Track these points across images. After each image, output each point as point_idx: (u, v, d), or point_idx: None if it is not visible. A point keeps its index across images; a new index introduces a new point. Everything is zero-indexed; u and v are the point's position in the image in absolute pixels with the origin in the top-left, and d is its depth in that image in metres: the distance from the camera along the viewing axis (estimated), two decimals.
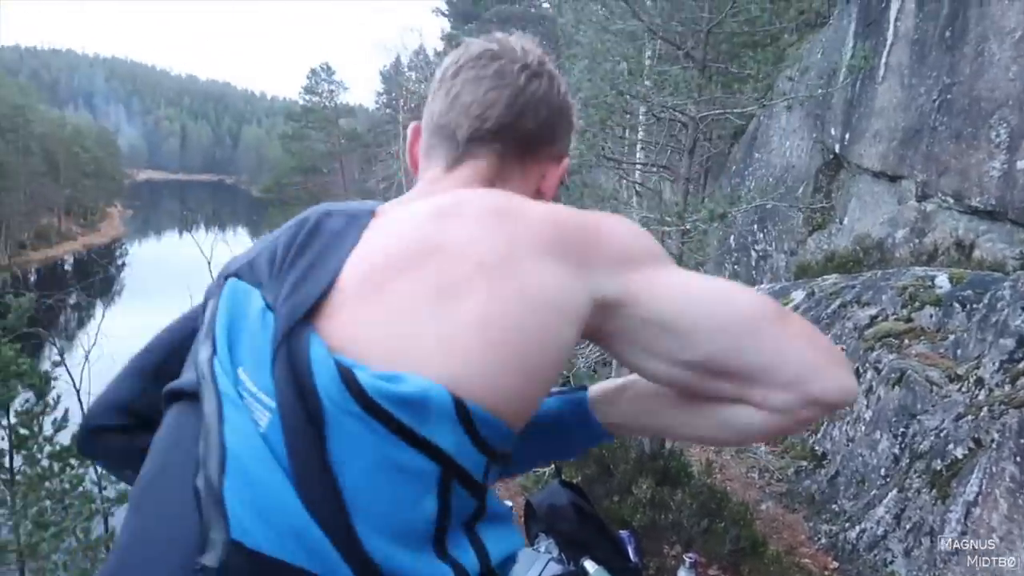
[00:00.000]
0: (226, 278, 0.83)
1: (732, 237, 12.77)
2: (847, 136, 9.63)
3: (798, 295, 6.66)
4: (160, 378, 0.84)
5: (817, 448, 5.24)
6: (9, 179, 55.46)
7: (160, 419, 0.79)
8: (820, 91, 5.73)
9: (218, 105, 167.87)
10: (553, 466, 4.32)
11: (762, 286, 8.39)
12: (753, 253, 12.28)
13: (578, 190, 4.72)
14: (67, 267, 59.98)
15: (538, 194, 0.95)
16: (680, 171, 4.64)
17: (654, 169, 4.73)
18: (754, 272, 12.02)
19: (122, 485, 7.35)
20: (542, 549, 3.92)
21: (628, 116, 4.51)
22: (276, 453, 0.65)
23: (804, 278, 10.30)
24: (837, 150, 9.99)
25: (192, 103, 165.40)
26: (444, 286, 0.71)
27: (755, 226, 12.10)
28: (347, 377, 0.66)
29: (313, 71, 39.64)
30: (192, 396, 0.74)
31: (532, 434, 0.81)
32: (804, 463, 5.27)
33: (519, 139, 0.92)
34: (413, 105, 33.68)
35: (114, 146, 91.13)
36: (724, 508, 4.41)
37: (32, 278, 51.47)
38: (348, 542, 0.63)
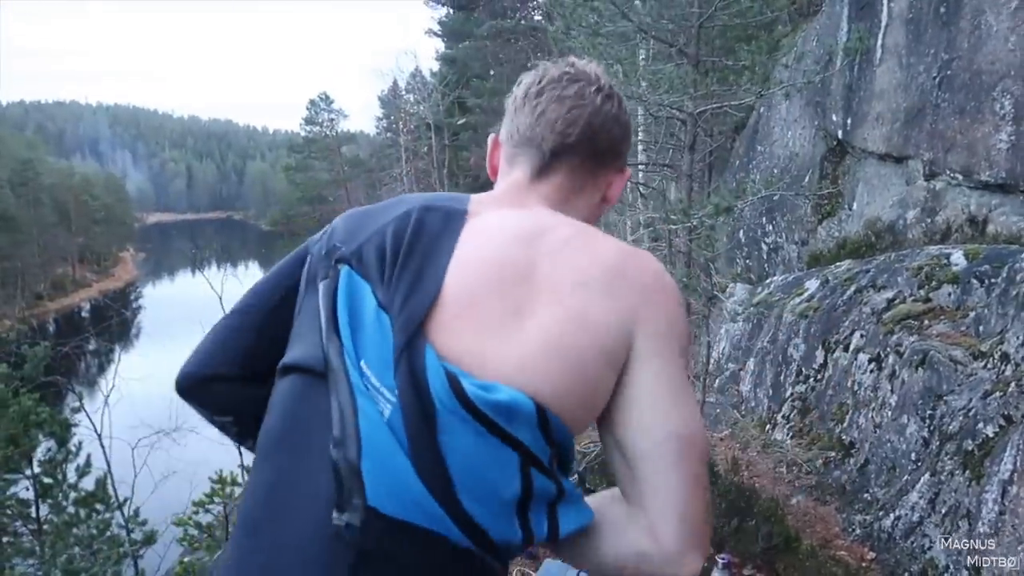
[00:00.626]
0: (336, 261, 0.98)
1: (741, 231, 12.68)
2: (849, 121, 9.55)
3: (812, 284, 6.58)
4: (262, 336, 1.06)
5: (844, 437, 5.14)
6: (22, 232, 56.21)
7: (268, 376, 0.99)
8: (818, 76, 5.66)
9: (221, 143, 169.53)
10: (577, 475, 4.26)
11: (775, 279, 8.31)
12: (763, 246, 12.18)
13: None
14: (84, 314, 60.53)
15: (604, 200, 1.12)
16: (682, 168, 4.59)
17: (656, 168, 4.69)
18: (766, 265, 11.93)
19: (149, 527, 7.38)
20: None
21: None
22: (398, 438, 0.84)
23: (817, 266, 10.20)
24: (840, 136, 9.91)
25: (196, 143, 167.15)
26: (525, 312, 0.90)
27: (763, 219, 12.02)
28: (454, 385, 0.85)
29: (312, 102, 39.95)
30: (312, 372, 0.91)
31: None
32: (832, 453, 5.18)
33: (594, 152, 1.06)
34: (413, 127, 33.86)
35: (122, 191, 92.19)
36: (754, 505, 4.33)
37: (51, 328, 51.97)
38: (455, 509, 0.83)
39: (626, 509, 0.93)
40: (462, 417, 0.84)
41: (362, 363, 0.88)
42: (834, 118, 10.09)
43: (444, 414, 0.84)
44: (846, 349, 5.47)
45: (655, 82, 4.29)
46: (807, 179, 10.61)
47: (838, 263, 6.76)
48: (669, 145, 4.70)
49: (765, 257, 12.01)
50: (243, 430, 1.13)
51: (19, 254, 55.01)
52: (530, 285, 0.91)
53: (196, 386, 1.11)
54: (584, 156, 1.06)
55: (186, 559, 6.24)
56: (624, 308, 0.91)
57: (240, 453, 10.51)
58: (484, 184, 1.34)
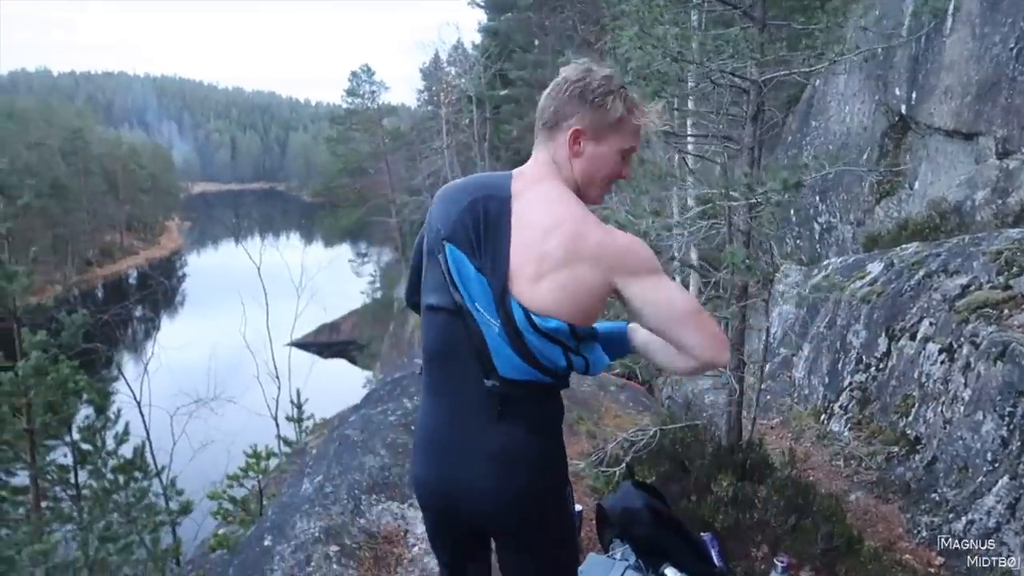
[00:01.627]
0: (443, 241, 1.75)
1: (792, 210, 12.19)
2: (914, 95, 9.02)
3: (874, 267, 6.20)
4: (416, 284, 1.96)
5: (909, 432, 4.82)
6: (72, 199, 57.44)
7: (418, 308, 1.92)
8: (897, 40, 5.22)
9: (265, 115, 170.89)
10: (624, 465, 4.01)
11: (832, 260, 7.91)
12: (816, 226, 11.71)
13: (636, 168, 4.40)
14: (131, 280, 61.84)
15: (572, 154, 1.76)
16: (744, 140, 4.26)
17: (713, 140, 4.37)
18: (818, 246, 11.46)
19: (186, 496, 7.38)
20: (618, 556, 3.56)
21: (683, 84, 4.15)
22: (505, 341, 1.66)
23: (876, 249, 9.71)
24: (903, 111, 9.38)
25: (240, 114, 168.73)
26: (544, 275, 1.65)
27: (816, 197, 11.53)
28: (529, 319, 1.64)
29: (354, 73, 39.72)
30: (449, 311, 1.74)
31: (603, 341, 1.82)
32: (895, 448, 4.86)
33: (543, 125, 1.78)
34: (454, 99, 33.52)
35: (169, 161, 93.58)
36: (812, 503, 4.06)
37: (99, 294, 53.17)
38: (541, 368, 1.68)
39: (673, 350, 1.71)
40: (534, 333, 1.65)
41: (476, 305, 1.69)
42: (897, 92, 9.55)
43: (525, 331, 1.65)
44: (913, 338, 5.12)
45: (716, 48, 3.96)
46: (865, 156, 10.11)
47: (903, 245, 6.36)
48: (728, 115, 4.36)
49: (817, 238, 11.54)
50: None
51: (69, 221, 56.26)
52: (546, 259, 1.65)
53: (410, 305, 2.04)
54: (541, 128, 1.79)
55: (220, 531, 6.20)
56: (600, 268, 1.64)
57: (277, 425, 10.60)
58: (525, 158, 1.88)
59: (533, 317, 1.63)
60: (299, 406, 9.35)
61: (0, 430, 6.16)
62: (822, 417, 5.94)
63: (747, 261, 4.01)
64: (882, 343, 5.53)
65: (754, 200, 4.01)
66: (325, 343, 38.25)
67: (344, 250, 48.02)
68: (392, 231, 38.55)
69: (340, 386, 30.04)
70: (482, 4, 31.35)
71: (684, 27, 4.42)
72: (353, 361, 37.18)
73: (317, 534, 4.12)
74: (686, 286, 11.44)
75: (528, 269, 1.64)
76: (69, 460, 6.87)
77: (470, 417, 1.73)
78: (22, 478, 6.87)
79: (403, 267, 38.44)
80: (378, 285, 43.68)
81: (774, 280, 4.43)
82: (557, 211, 1.68)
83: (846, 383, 5.82)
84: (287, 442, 9.21)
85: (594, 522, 3.90)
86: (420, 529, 4.30)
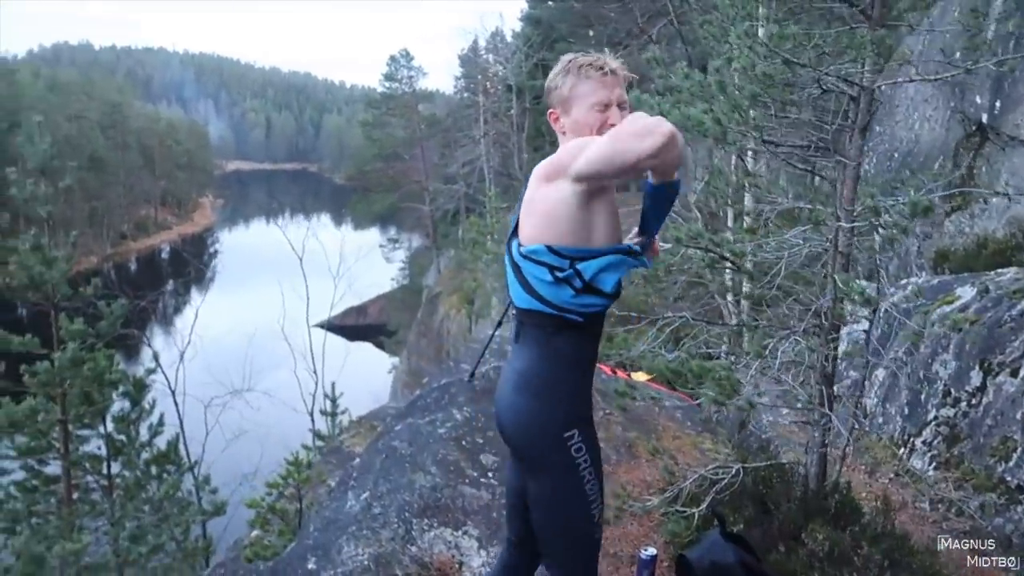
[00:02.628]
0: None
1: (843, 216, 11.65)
2: (997, 104, 8.47)
3: (965, 292, 5.74)
4: None
5: (1009, 479, 4.39)
6: (109, 173, 58.08)
7: None
8: (972, 62, 4.75)
9: (300, 95, 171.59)
10: (712, 511, 3.64)
11: (912, 280, 7.45)
12: (876, 236, 11.16)
13: (728, 177, 4.05)
14: (164, 255, 62.51)
15: (561, 131, 2.14)
16: (850, 153, 3.86)
17: (814, 152, 3.97)
18: (878, 257, 10.93)
19: (220, 496, 7.15)
20: None
21: (788, 88, 3.76)
22: (514, 276, 2.07)
23: (946, 265, 9.19)
24: (984, 120, 8.83)
25: (276, 94, 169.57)
26: (529, 211, 2.00)
27: (880, 214, 10.99)
28: (519, 250, 2.02)
29: (392, 58, 39.46)
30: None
31: (645, 211, 2.05)
32: (992, 495, 4.44)
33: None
34: (492, 89, 33.12)
35: (205, 138, 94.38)
36: (911, 558, 3.67)
37: (132, 267, 53.74)
38: (538, 296, 2.00)
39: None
40: (523, 260, 2.01)
41: (506, 252, 2.13)
42: (977, 99, 9.00)
43: (519, 261, 2.03)
44: (1014, 374, 4.69)
45: (836, 50, 3.56)
46: (937, 166, 9.57)
47: (998, 270, 5.90)
48: (834, 124, 3.96)
49: (878, 248, 11.03)
50: None
51: (106, 194, 56.92)
52: (528, 202, 2.01)
53: None
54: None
55: (254, 534, 5.97)
56: (557, 177, 1.93)
57: (312, 420, 10.38)
58: None
59: (521, 248, 2.00)
60: (334, 400, 9.10)
61: (35, 419, 5.98)
62: (901, 451, 5.52)
63: (844, 287, 3.62)
64: (975, 377, 5.09)
65: (854, 221, 3.62)
66: (352, 326, 38.25)
67: (374, 234, 48.00)
68: (424, 218, 38.35)
69: (366, 370, 29.95)
70: None
71: (785, 24, 4.00)
72: (380, 346, 37.13)
73: (366, 562, 3.82)
74: (737, 301, 11.00)
75: (523, 216, 2.02)
76: (103, 451, 6.68)
77: (512, 343, 2.16)
78: (54, 467, 6.69)
79: (433, 254, 38.25)
80: (407, 271, 43.59)
81: (877, 310, 4.03)
82: (544, 162, 2.00)
83: (930, 417, 5.39)
84: (320, 436, 8.97)
85: (673, 572, 3.56)
86: (476, 561, 3.99)
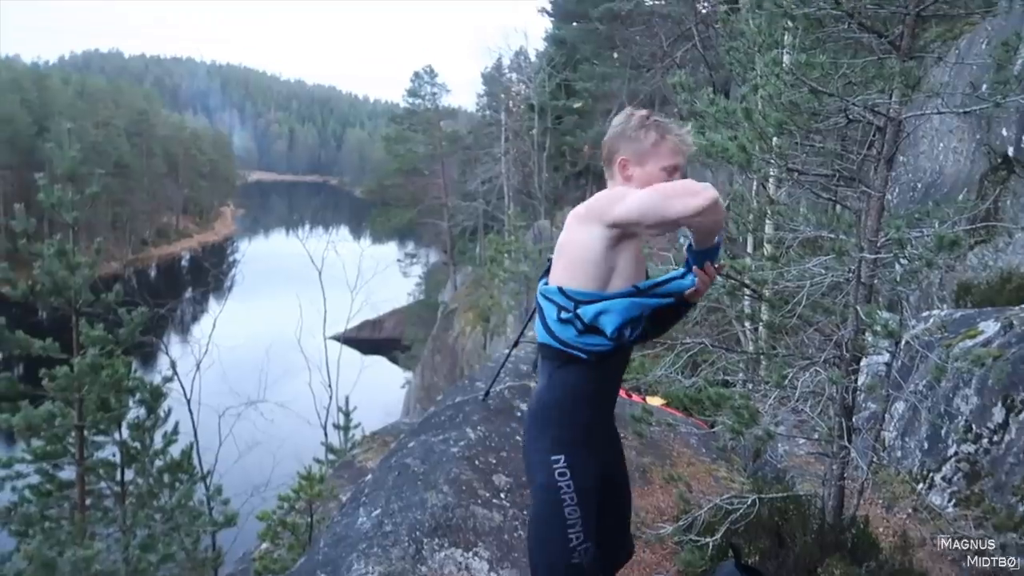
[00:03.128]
0: None
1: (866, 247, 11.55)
2: None
3: (988, 327, 5.67)
4: None
5: None
6: (133, 179, 58.88)
7: None
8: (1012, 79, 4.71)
9: (323, 108, 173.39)
10: (727, 543, 3.60)
11: (935, 313, 7.37)
12: (898, 267, 11.06)
13: (749, 204, 4.03)
14: (184, 263, 63.11)
15: (625, 179, 2.26)
16: (875, 184, 3.84)
17: (838, 181, 3.95)
18: (900, 289, 10.82)
19: (232, 508, 7.17)
20: None
21: (814, 117, 3.74)
22: (537, 312, 2.24)
23: (967, 297, 9.09)
24: (1010, 153, 8.77)
25: (300, 107, 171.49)
26: (560, 249, 2.17)
27: (905, 247, 10.89)
28: (543, 288, 2.22)
29: (416, 74, 39.81)
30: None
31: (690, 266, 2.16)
32: (1014, 536, 4.34)
33: (608, 159, 2.29)
34: (514, 107, 33.30)
35: (228, 148, 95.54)
36: None
37: (152, 273, 54.28)
38: (551, 335, 2.16)
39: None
40: (540, 297, 2.21)
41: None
42: (1004, 132, 8.94)
43: (539, 299, 2.21)
44: None
45: (864, 80, 3.54)
46: (960, 198, 9.48)
47: (1022, 306, 5.81)
48: (860, 154, 3.94)
49: (898, 279, 10.92)
50: None
51: (130, 200, 57.65)
52: (559, 246, 2.17)
53: None
54: (605, 165, 2.32)
55: (264, 546, 5.95)
56: (590, 220, 2.10)
57: (325, 434, 10.40)
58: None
59: (546, 286, 2.18)
60: (347, 414, 9.10)
61: (52, 424, 6.02)
62: (920, 486, 5.42)
63: (868, 319, 3.58)
64: (997, 413, 5.01)
65: (886, 253, 3.58)
66: (367, 339, 38.33)
67: (392, 248, 48.21)
68: (442, 234, 38.49)
69: (379, 384, 29.96)
70: (551, 12, 31.04)
71: (812, 53, 4.00)
72: (394, 361, 37.15)
73: None
74: (755, 329, 10.89)
75: (555, 257, 2.19)
76: (117, 458, 6.71)
77: None
78: (69, 473, 6.74)
79: (450, 271, 38.34)
80: (424, 287, 43.69)
81: (900, 343, 3.97)
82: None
83: (951, 452, 5.30)
84: (332, 450, 8.97)
85: None
86: None
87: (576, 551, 2.14)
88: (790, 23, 3.96)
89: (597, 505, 2.17)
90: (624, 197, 2.00)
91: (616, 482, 2.37)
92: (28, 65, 73.78)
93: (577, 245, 2.09)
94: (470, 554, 4.12)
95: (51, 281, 6.13)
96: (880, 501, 5.64)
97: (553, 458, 2.13)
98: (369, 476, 5.73)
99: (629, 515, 2.49)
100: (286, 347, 14.24)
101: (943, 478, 5.23)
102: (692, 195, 1.89)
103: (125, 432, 6.72)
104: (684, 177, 2.21)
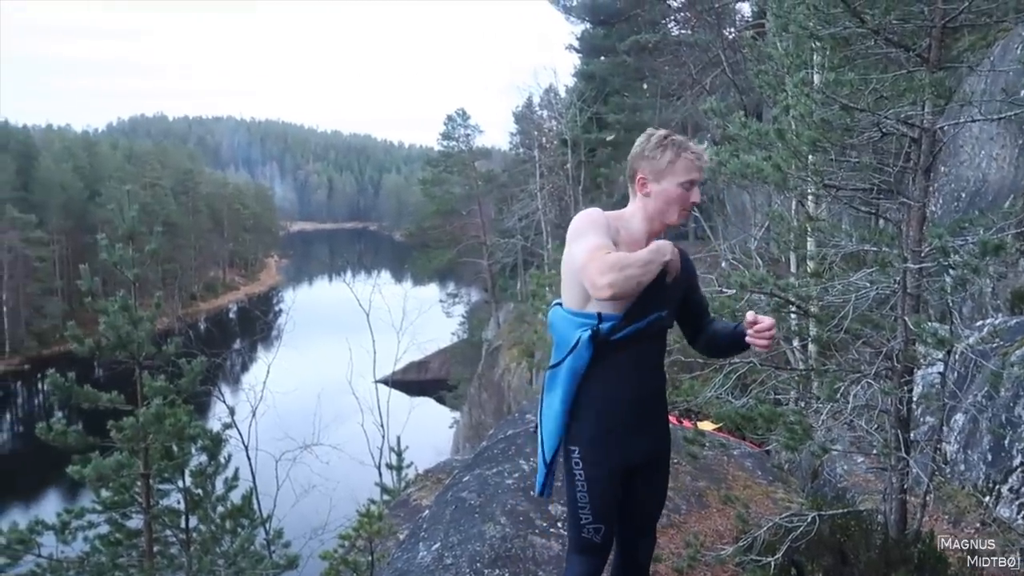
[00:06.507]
0: None
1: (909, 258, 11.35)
2: None
3: None
4: None
5: None
6: (182, 237, 60.72)
7: None
8: None
9: (360, 156, 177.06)
10: (789, 560, 3.59)
11: (989, 321, 7.24)
12: (947, 277, 10.86)
13: (789, 223, 4.07)
14: (232, 315, 64.50)
15: (644, 195, 2.40)
16: (914, 194, 3.86)
17: (877, 194, 3.98)
18: (950, 299, 10.62)
19: (292, 551, 7.29)
20: None
21: (847, 132, 3.80)
22: None
23: (1022, 305, 8.88)
24: None
25: (337, 156, 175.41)
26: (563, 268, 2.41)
27: (949, 255, 10.71)
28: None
29: (449, 117, 40.52)
30: None
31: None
32: None
33: (631, 177, 2.43)
34: (547, 143, 33.67)
35: (270, 201, 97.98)
36: None
37: (201, 326, 55.55)
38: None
39: None
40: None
41: None
42: None
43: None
44: None
45: (895, 93, 3.59)
46: (1007, 205, 9.32)
47: None
48: (896, 166, 3.97)
49: (949, 290, 10.71)
50: None
51: (178, 257, 59.39)
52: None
53: None
54: (628, 183, 2.45)
55: None
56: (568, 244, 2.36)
57: (380, 473, 10.52)
58: (617, 201, 2.56)
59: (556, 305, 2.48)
60: (399, 453, 9.20)
61: (119, 474, 6.24)
62: (986, 500, 5.29)
63: (917, 329, 3.57)
64: None
65: (932, 263, 3.59)
66: (414, 381, 38.57)
67: (433, 290, 48.63)
68: (483, 272, 38.74)
69: (428, 425, 30.05)
70: (578, 48, 31.50)
71: (841, 71, 4.06)
72: (441, 401, 37.26)
73: None
74: (804, 346, 10.73)
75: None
76: (181, 505, 6.90)
77: None
78: (136, 522, 6.94)
79: (492, 308, 38.50)
80: (467, 326, 43.89)
81: (952, 352, 3.95)
82: None
83: (1016, 463, 5.17)
84: (386, 490, 9.06)
85: None
86: None
87: (586, 528, 2.43)
88: (817, 43, 4.04)
89: (610, 495, 2.41)
90: (582, 237, 2.25)
91: (643, 480, 2.52)
92: (79, 133, 76.97)
93: (565, 263, 2.36)
94: None
95: (116, 335, 6.41)
96: (945, 516, 5.52)
97: (570, 447, 2.40)
98: (426, 512, 5.81)
99: (652, 515, 2.65)
100: (336, 391, 14.45)
101: (1010, 489, 5.11)
102: (601, 274, 2.10)
103: (188, 480, 6.92)
104: (699, 187, 2.39)
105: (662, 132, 2.40)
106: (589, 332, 2.30)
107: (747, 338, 2.33)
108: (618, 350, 2.32)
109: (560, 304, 2.42)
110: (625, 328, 2.30)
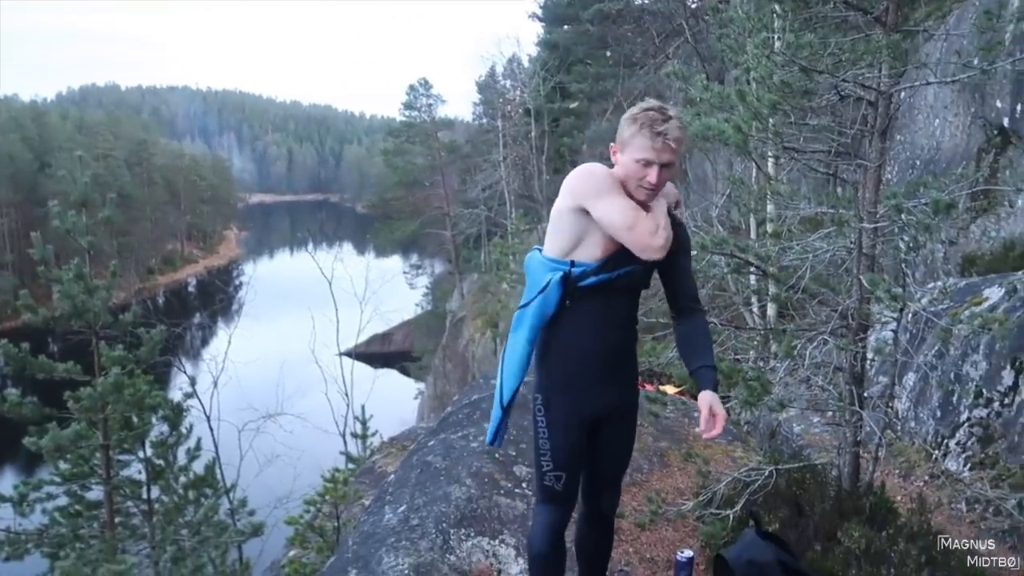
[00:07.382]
0: None
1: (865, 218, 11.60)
2: (1018, 107, 8.48)
3: (993, 292, 5.74)
4: None
5: None
6: (137, 209, 59.22)
7: None
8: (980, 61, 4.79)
9: (321, 127, 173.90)
10: (748, 512, 3.68)
11: (939, 283, 7.43)
12: (900, 244, 11.13)
13: (749, 187, 4.12)
14: (191, 288, 63.45)
15: (615, 163, 2.39)
16: (870, 156, 3.93)
17: (835, 156, 4.04)
18: (903, 265, 10.90)
19: (257, 519, 7.27)
20: None
21: (806, 95, 3.84)
22: None
23: (973, 270, 9.12)
24: (1006, 124, 8.84)
25: (297, 127, 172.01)
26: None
27: (902, 213, 10.96)
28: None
29: (412, 87, 39.98)
30: None
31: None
32: None
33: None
34: (510, 113, 33.45)
35: (228, 173, 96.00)
36: (948, 557, 3.67)
37: (160, 300, 54.53)
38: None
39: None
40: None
41: None
42: (998, 104, 9.01)
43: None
44: None
45: (852, 57, 3.64)
46: (961, 170, 9.55)
47: None
48: (854, 129, 4.03)
49: (904, 250, 10.97)
50: None
51: (134, 230, 57.97)
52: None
53: None
54: None
55: (292, 553, 6.05)
56: (567, 195, 2.36)
57: (344, 442, 10.50)
58: None
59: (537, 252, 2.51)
60: (364, 422, 9.20)
61: (78, 445, 6.14)
62: (935, 454, 5.49)
63: (874, 289, 3.67)
64: (1007, 376, 5.08)
65: (887, 223, 3.67)
66: (378, 353, 38.44)
67: (396, 261, 48.35)
68: (446, 243, 38.61)
69: (392, 396, 30.05)
70: (541, 17, 31.21)
71: (799, 34, 4.10)
72: (405, 373, 37.24)
73: (406, 571, 3.89)
74: (763, 308, 10.94)
75: None
76: (142, 476, 6.82)
77: None
78: (96, 493, 6.85)
79: (456, 279, 38.46)
80: (431, 297, 43.79)
81: (904, 310, 4.05)
82: None
83: (963, 418, 5.37)
84: (351, 459, 9.07)
85: (710, 574, 3.59)
86: (515, 569, 4.04)
87: (547, 475, 2.56)
88: (778, 7, 4.06)
89: (571, 443, 2.49)
90: (606, 196, 2.30)
91: (609, 431, 2.59)
92: (26, 103, 74.29)
93: (553, 212, 2.41)
94: (496, 542, 4.22)
95: (71, 304, 6.26)
96: (896, 470, 5.72)
97: (533, 395, 2.53)
98: (392, 476, 5.83)
99: (618, 467, 2.72)
100: (299, 362, 14.35)
101: (957, 443, 5.31)
102: (653, 235, 2.28)
103: (149, 450, 6.83)
104: (671, 168, 2.33)
105: (645, 105, 2.35)
106: (560, 275, 2.36)
107: (700, 423, 2.29)
108: (587, 298, 2.37)
109: (539, 250, 2.48)
110: (595, 275, 2.35)
